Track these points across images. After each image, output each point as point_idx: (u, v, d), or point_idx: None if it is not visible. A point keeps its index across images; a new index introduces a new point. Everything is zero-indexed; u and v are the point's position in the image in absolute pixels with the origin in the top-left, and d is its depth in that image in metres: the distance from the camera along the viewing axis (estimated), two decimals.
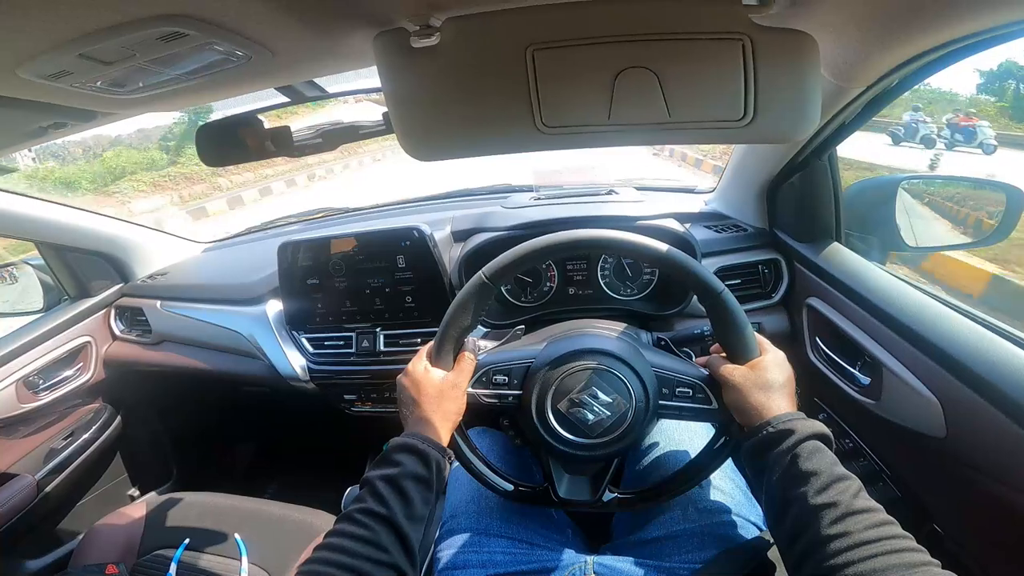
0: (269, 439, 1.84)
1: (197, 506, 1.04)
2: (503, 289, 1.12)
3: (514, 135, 0.56)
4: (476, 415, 0.71)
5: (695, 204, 1.30)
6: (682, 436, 0.82)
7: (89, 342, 1.37)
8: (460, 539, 0.73)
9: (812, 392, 1.01)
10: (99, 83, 0.57)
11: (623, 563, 0.68)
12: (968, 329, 0.69)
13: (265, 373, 1.20)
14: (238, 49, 0.53)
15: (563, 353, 0.68)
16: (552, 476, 0.71)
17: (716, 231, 1.14)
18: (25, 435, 1.26)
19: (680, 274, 0.66)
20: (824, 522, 0.47)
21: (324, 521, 1.00)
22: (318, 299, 1.15)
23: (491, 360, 0.71)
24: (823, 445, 0.54)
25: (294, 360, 1.18)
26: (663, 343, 0.84)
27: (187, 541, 0.95)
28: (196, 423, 1.67)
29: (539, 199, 1.26)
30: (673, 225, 1.07)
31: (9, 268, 1.40)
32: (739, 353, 0.63)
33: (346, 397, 1.21)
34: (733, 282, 1.07)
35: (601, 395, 0.66)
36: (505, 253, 0.68)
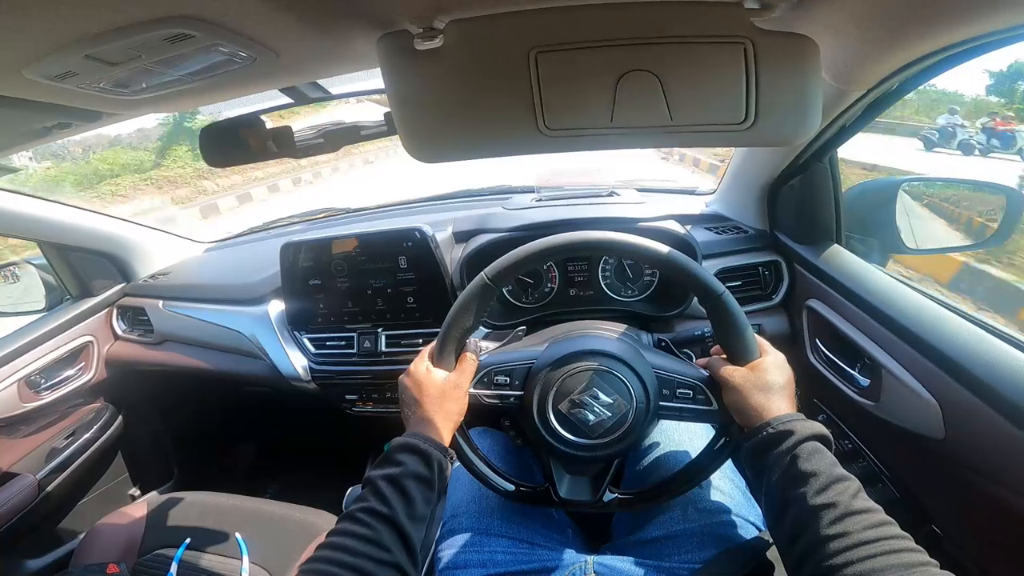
0: (270, 439, 1.84)
1: (198, 506, 1.04)
2: (504, 290, 1.12)
3: (517, 138, 0.56)
4: (477, 415, 0.71)
5: (696, 206, 1.31)
6: (682, 437, 0.82)
7: (91, 342, 1.38)
8: (461, 539, 0.73)
9: (812, 393, 1.01)
10: (104, 84, 0.57)
11: (623, 563, 0.68)
12: (967, 331, 0.69)
13: (267, 373, 1.20)
14: (243, 50, 0.54)
15: (564, 354, 0.68)
16: (553, 476, 0.71)
17: (717, 233, 1.14)
18: (26, 434, 1.26)
19: (681, 276, 0.66)
20: (823, 522, 0.48)
21: (325, 521, 1.00)
22: (320, 299, 1.15)
23: (493, 361, 0.72)
24: (822, 446, 0.54)
25: (296, 360, 1.18)
26: (664, 344, 0.84)
27: (188, 541, 0.95)
28: (197, 423, 1.67)
29: (540, 200, 1.26)
30: (674, 227, 1.07)
31: (11, 267, 1.40)
32: (739, 355, 0.63)
33: (347, 397, 1.21)
34: (733, 284, 1.08)
35: (602, 396, 0.66)
36: (507, 255, 0.68)
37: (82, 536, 1.04)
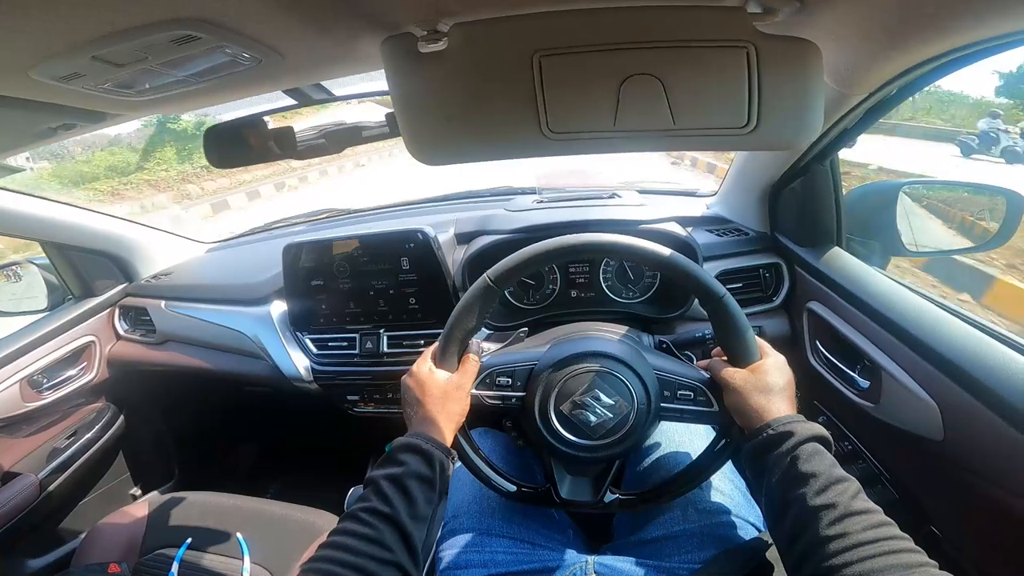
0: (272, 439, 1.84)
1: (199, 506, 1.04)
2: (506, 292, 1.13)
3: (520, 140, 0.57)
4: (479, 416, 0.71)
5: (697, 208, 1.31)
6: (683, 438, 0.83)
7: (93, 342, 1.38)
8: (462, 539, 0.74)
9: (812, 395, 1.02)
10: (109, 85, 0.57)
11: (623, 563, 0.68)
12: (966, 334, 0.69)
13: (269, 373, 1.20)
14: (248, 52, 0.54)
15: (566, 356, 0.69)
16: (554, 477, 0.71)
17: (718, 235, 1.14)
18: (28, 434, 1.26)
19: (682, 278, 0.66)
20: (823, 523, 0.48)
21: (326, 521, 1.00)
22: (322, 300, 1.16)
23: (495, 362, 0.72)
24: (822, 447, 0.55)
25: (298, 361, 1.18)
26: (665, 346, 0.84)
27: (189, 541, 0.95)
28: (199, 423, 1.67)
29: (541, 202, 1.26)
30: (675, 229, 1.07)
31: (14, 267, 1.41)
32: (740, 356, 0.64)
33: (349, 398, 1.22)
34: (734, 286, 1.08)
35: (603, 397, 0.67)
36: (509, 256, 0.68)
37: (83, 536, 1.04)
